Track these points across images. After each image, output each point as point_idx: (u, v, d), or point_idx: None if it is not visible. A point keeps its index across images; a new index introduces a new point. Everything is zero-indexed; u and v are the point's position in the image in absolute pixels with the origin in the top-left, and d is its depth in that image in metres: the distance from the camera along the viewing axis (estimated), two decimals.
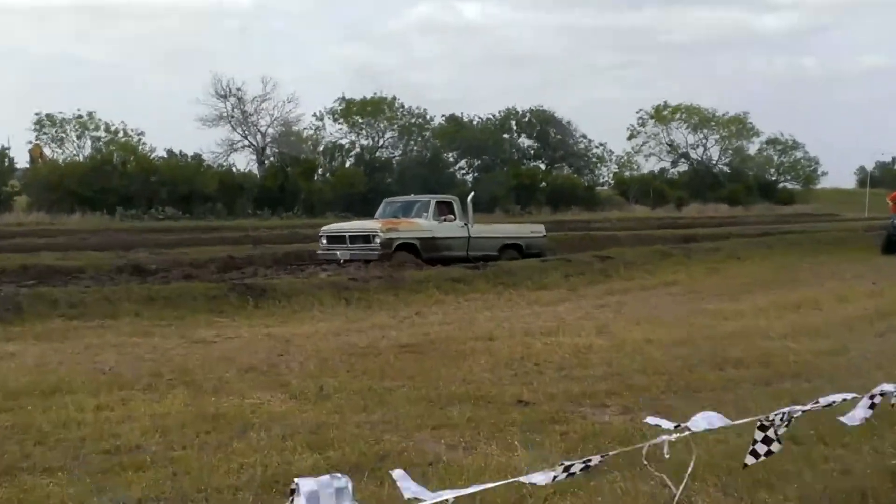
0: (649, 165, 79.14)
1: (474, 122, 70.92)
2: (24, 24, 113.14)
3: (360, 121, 64.65)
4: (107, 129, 55.69)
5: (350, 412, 7.28)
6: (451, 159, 68.26)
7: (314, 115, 65.12)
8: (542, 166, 72.29)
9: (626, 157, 78.43)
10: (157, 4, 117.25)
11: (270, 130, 61.62)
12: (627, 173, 77.07)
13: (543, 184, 65.67)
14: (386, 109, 64.50)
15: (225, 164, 59.00)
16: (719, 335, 11.27)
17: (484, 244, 21.66)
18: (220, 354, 10.22)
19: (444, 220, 21.17)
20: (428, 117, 66.22)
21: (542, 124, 72.82)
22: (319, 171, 60.07)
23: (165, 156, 55.63)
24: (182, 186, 49.94)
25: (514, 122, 73.29)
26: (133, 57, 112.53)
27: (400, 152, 64.77)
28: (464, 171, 69.71)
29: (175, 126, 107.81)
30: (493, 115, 72.64)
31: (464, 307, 15.37)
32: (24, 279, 17.26)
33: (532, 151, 73.89)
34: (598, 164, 76.59)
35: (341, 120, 64.93)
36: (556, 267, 19.82)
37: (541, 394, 7.94)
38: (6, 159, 48.84)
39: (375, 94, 65.04)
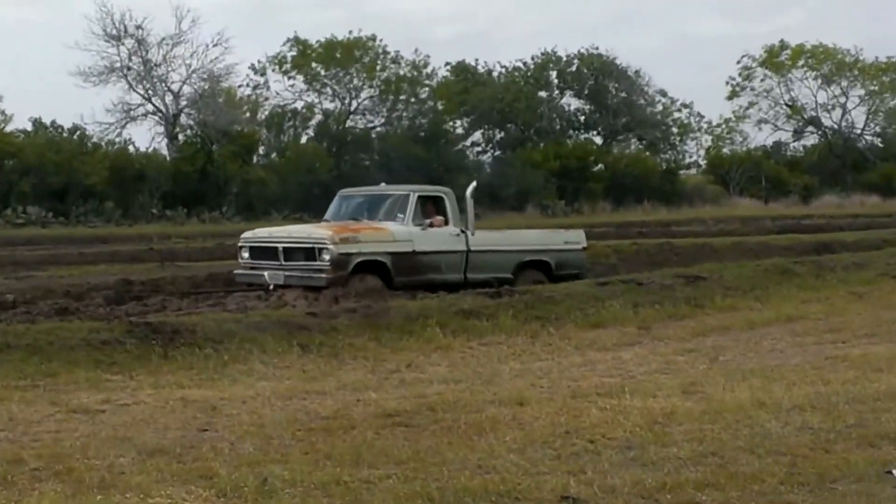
0: (760, 138, 78.95)
1: (495, 75, 71.04)
2: None
3: (323, 73, 64.74)
4: None
5: None
6: (461, 130, 68.41)
7: (252, 66, 65.15)
8: (598, 140, 72.39)
9: (724, 127, 78.29)
10: None
11: (187, 89, 61.87)
12: (727, 150, 77.02)
13: (600, 166, 65.75)
14: (362, 55, 64.54)
15: (118, 140, 59.23)
16: (869, 395, 11.22)
17: (491, 261, 21.28)
18: (112, 431, 10.23)
19: (430, 224, 20.70)
20: (426, 68, 66.21)
21: (598, 77, 72.74)
22: (261, 150, 60.31)
23: (29, 129, 55.85)
24: (54, 176, 50.14)
25: (554, 74, 73.32)
26: None
27: (383, 121, 64.90)
28: (479, 149, 69.94)
29: (43, 85, 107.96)
30: (524, 64, 72.70)
31: (480, 355, 15.37)
32: None
33: (582, 118, 73.93)
34: (683, 137, 76.39)
35: (294, 73, 65.06)
36: (619, 293, 19.77)
37: (596, 487, 7.92)
38: None
39: (349, 34, 64.97)
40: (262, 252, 20.54)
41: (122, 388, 12.74)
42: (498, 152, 68.29)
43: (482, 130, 69.80)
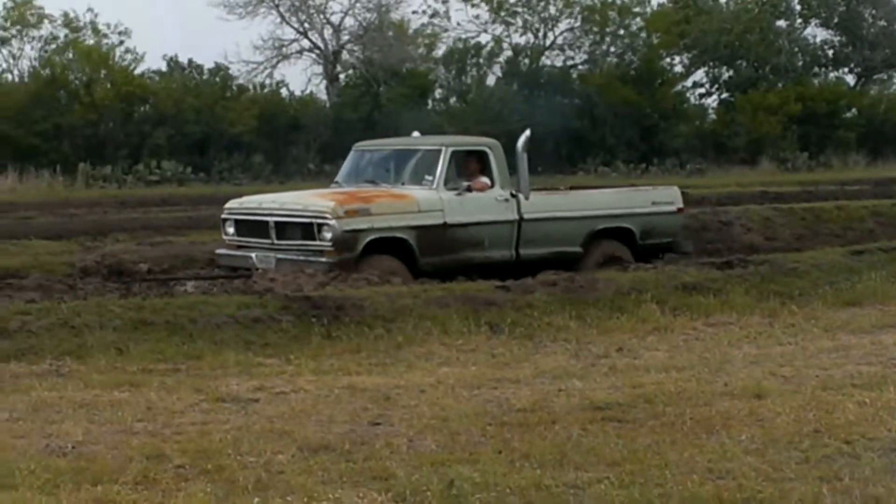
0: None
1: (722, 1, 70.31)
2: None
3: (513, 1, 64.70)
4: (64, 23, 57.17)
5: None
6: (680, 69, 67.88)
7: None
8: (851, 80, 71.24)
9: None
10: None
11: (349, 21, 62.35)
12: None
13: (852, 111, 64.68)
14: None
15: (269, 83, 59.94)
16: None
17: (553, 232, 20.07)
18: (268, 423, 10.41)
19: (469, 188, 19.24)
20: None
21: (851, 2, 71.60)
22: (438, 93, 60.61)
23: (164, 70, 56.87)
24: (193, 125, 51.01)
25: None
26: None
27: (585, 57, 64.67)
28: (702, 91, 69.31)
29: (180, 18, 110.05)
30: None
31: (706, 338, 15.29)
32: None
33: (831, 52, 72.79)
34: None
35: (479, 1, 65.12)
36: (879, 264, 19.48)
37: (856, 496, 7.82)
38: None
39: None
40: (251, 227, 19.29)
41: (277, 374, 12.93)
42: (725, 94, 67.50)
43: (706, 69, 69.00)
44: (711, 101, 67.98)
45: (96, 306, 15.11)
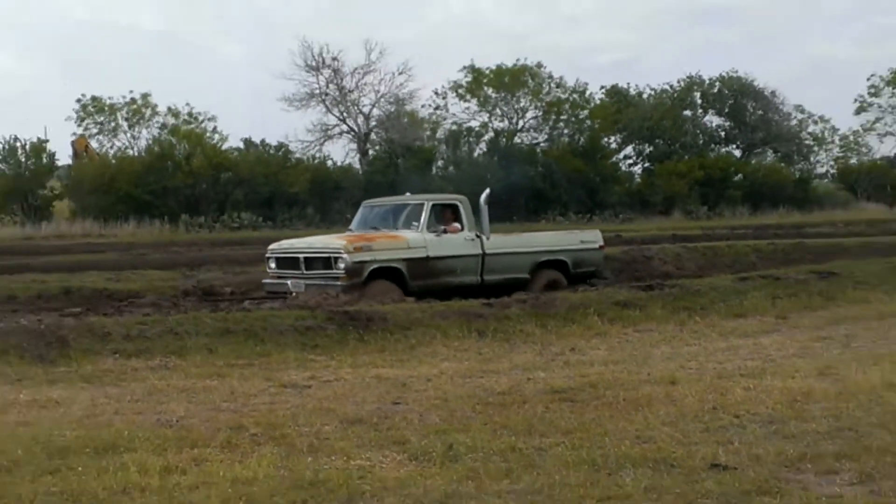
0: (885, 149, 76.91)
1: (645, 97, 70.39)
2: None
3: (494, 96, 64.72)
4: (170, 114, 57.33)
5: (488, 479, 7.30)
6: (615, 145, 67.92)
7: (434, 91, 65.52)
8: (737, 153, 71.23)
9: (852, 139, 76.42)
10: None
11: (376, 111, 62.50)
12: (854, 160, 75.16)
13: (739, 176, 64.72)
14: (529, 81, 64.37)
15: (318, 156, 60.05)
16: None
17: (507, 263, 19.86)
18: (317, 403, 10.39)
19: (445, 231, 19.21)
20: (585, 92, 65.79)
21: (737, 96, 71.60)
22: (440, 163, 60.69)
23: (242, 147, 56.99)
24: (263, 186, 51.17)
25: (698, 95, 72.35)
26: (198, 22, 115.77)
27: (546, 137, 64.69)
28: (631, 162, 69.38)
29: (254, 109, 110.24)
30: (671, 86, 71.92)
31: (634, 341, 15.27)
32: (69, 306, 17.92)
33: (723, 133, 72.84)
34: (816, 149, 74.79)
35: (469, 96, 65.14)
36: (758, 287, 19.48)
37: (743, 455, 7.81)
38: (44, 155, 50.69)
39: (518, 61, 64.84)
40: (286, 262, 19.33)
41: (324, 367, 12.95)
42: (647, 164, 67.58)
43: (633, 145, 69.18)
44: (637, 169, 68.14)
45: (193, 318, 15.11)
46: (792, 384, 10.76)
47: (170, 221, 47.63)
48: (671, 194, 58.88)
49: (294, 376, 12.15)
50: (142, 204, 48.26)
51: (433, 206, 19.35)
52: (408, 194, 21.21)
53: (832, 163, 76.08)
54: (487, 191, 20.16)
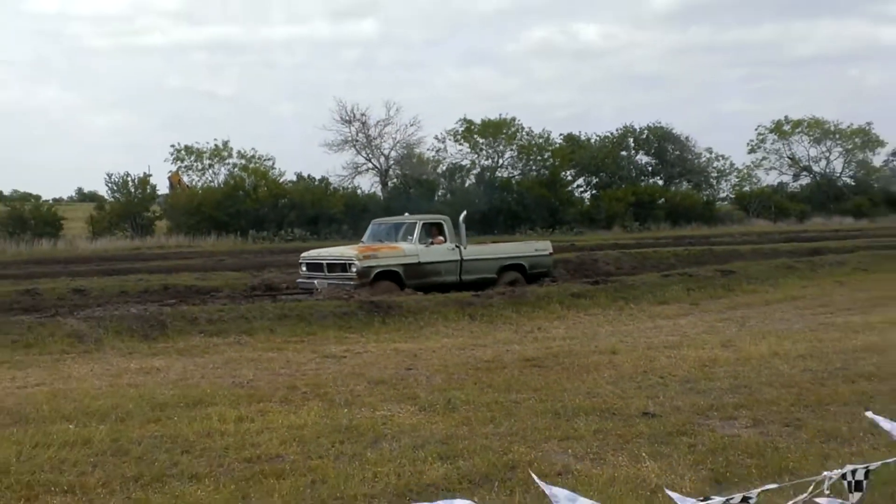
0: (769, 179, 76.99)
1: (592, 141, 70.30)
2: (162, 62, 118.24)
3: (481, 141, 64.68)
4: (240, 156, 57.40)
5: (478, 424, 7.30)
6: (570, 177, 67.77)
7: (436, 137, 65.70)
8: (661, 182, 71.15)
9: (745, 172, 76.48)
10: (282, 38, 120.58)
11: (393, 153, 62.42)
12: (747, 188, 75.12)
13: (662, 200, 64.63)
14: (506, 130, 64.41)
15: (350, 186, 59.98)
16: (850, 349, 10.88)
17: (479, 266, 19.43)
18: (351, 369, 10.39)
19: (432, 243, 18.89)
20: (549, 138, 65.81)
21: (660, 141, 71.58)
22: (440, 191, 60.55)
23: (294, 180, 57.00)
24: (310, 209, 51.07)
25: (631, 140, 72.20)
26: (262, 88, 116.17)
27: (519, 172, 64.59)
28: (582, 189, 69.23)
29: (303, 151, 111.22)
30: (611, 133, 71.86)
31: (585, 322, 15.26)
32: (166, 298, 17.92)
33: (650, 168, 72.79)
34: (719, 179, 74.88)
35: (462, 141, 65.08)
36: (677, 281, 19.47)
37: (667, 406, 7.81)
38: (148, 186, 50.87)
39: (500, 115, 64.90)
40: (314, 266, 19.00)
41: (356, 342, 12.94)
42: (594, 191, 67.49)
43: (583, 177, 69.01)
44: (586, 195, 67.84)
45: (259, 307, 15.10)
46: (702, 353, 10.77)
47: (241, 235, 47.51)
48: (612, 213, 58.77)
49: (333, 349, 12.15)
50: (220, 223, 48.17)
51: (423, 224, 19.13)
52: (406, 214, 20.82)
53: (731, 189, 76.16)
54: (464, 213, 19.87)
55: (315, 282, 18.38)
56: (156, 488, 5.71)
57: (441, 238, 19.03)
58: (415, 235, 18.74)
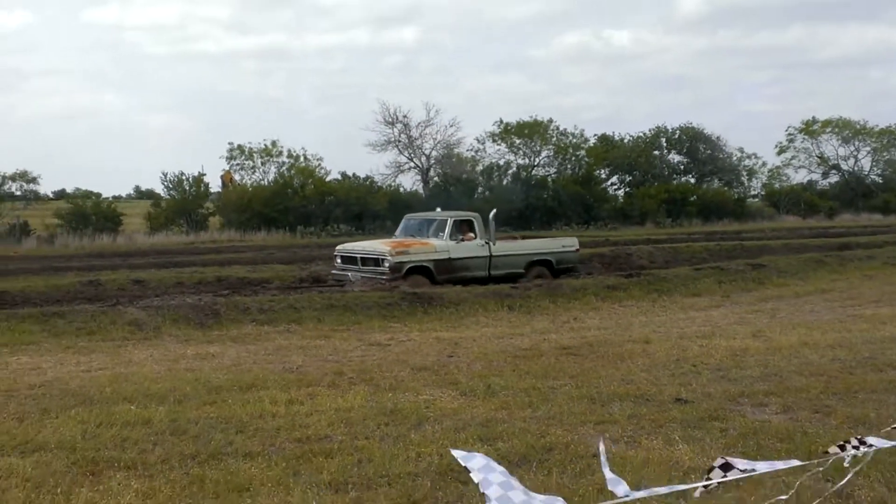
0: (799, 177, 76.03)
1: (625, 141, 69.83)
2: (213, 67, 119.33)
3: (518, 142, 64.54)
4: (289, 156, 57.75)
5: (517, 408, 7.31)
6: (603, 175, 67.37)
7: (475, 138, 65.72)
8: (692, 180, 70.52)
9: (775, 170, 75.63)
10: (328, 44, 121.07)
11: (434, 153, 62.31)
12: (777, 185, 74.24)
13: (693, 197, 64.04)
14: (542, 131, 64.22)
15: (393, 184, 60.02)
16: (878, 339, 10.74)
17: (508, 262, 19.04)
18: (395, 356, 10.44)
19: (463, 239, 18.54)
20: (582, 137, 65.52)
21: (692, 140, 70.84)
22: (479, 189, 60.48)
23: (340, 178, 57.24)
24: (355, 206, 51.21)
25: (664, 140, 71.52)
26: (309, 91, 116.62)
27: (555, 170, 64.35)
28: (616, 187, 68.77)
29: (348, 151, 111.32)
30: (644, 133, 71.25)
31: (619, 313, 15.19)
32: (220, 289, 18.07)
33: (682, 167, 72.12)
34: (749, 177, 74.07)
35: (500, 141, 65.00)
36: (709, 275, 19.30)
37: (699, 393, 7.76)
38: (202, 185, 51.37)
39: (532, 117, 64.82)
40: (348, 259, 18.79)
41: (399, 331, 12.98)
42: (627, 189, 67.02)
43: (617, 176, 68.59)
44: (620, 192, 67.38)
45: (307, 297, 15.20)
46: (733, 343, 10.68)
47: (289, 231, 47.76)
48: (645, 210, 58.28)
49: (378, 337, 12.21)
50: (270, 219, 48.46)
51: (454, 221, 18.83)
52: (438, 210, 20.55)
53: (761, 187, 75.36)
54: (494, 210, 19.48)
55: (349, 274, 18.28)
56: (212, 465, 5.79)
57: (471, 234, 18.77)
58: (446, 232, 18.47)
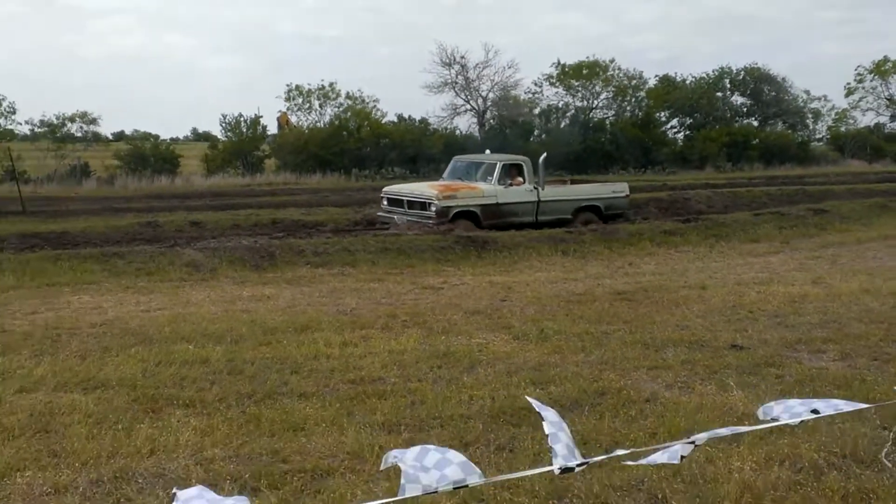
0: (866, 121, 74.00)
1: (687, 82, 68.48)
2: (271, 8, 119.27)
3: (576, 83, 63.67)
4: (348, 98, 57.75)
5: (569, 353, 7.34)
6: (664, 118, 66.32)
7: (533, 81, 65.06)
8: (755, 123, 69.10)
9: (841, 113, 73.68)
10: None
11: (491, 95, 61.77)
12: (843, 128, 72.44)
13: (756, 140, 62.80)
14: (601, 72, 63.25)
15: (449, 127, 59.76)
16: None
17: (556, 207, 18.70)
18: (448, 299, 10.50)
19: (511, 184, 18.26)
20: (642, 78, 64.39)
21: (757, 82, 69.23)
22: (536, 132, 59.98)
23: (395, 120, 57.16)
24: (410, 148, 51.18)
25: (727, 81, 69.92)
26: (366, 32, 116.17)
27: (613, 113, 63.51)
28: (675, 130, 67.68)
29: (404, 93, 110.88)
30: (707, 74, 69.68)
31: (675, 258, 15.07)
32: (275, 231, 18.29)
33: (745, 109, 70.63)
34: (814, 120, 72.32)
35: (557, 84, 64.19)
36: (768, 220, 19.00)
37: (755, 339, 7.71)
38: (259, 127, 51.71)
39: (589, 57, 63.83)
40: (395, 202, 18.65)
41: (453, 275, 13.04)
42: (688, 132, 65.95)
43: (678, 118, 67.43)
44: (680, 136, 66.30)
45: (361, 240, 15.32)
46: (792, 290, 10.55)
47: (345, 173, 47.97)
48: (705, 154, 57.34)
49: (431, 281, 12.28)
50: (325, 161, 48.67)
51: (503, 165, 18.54)
52: (487, 152, 20.12)
53: (826, 130, 73.59)
54: (545, 154, 19.21)
55: (395, 217, 18.23)
56: (268, 404, 5.92)
57: (520, 179, 18.52)
58: (494, 176, 18.23)
